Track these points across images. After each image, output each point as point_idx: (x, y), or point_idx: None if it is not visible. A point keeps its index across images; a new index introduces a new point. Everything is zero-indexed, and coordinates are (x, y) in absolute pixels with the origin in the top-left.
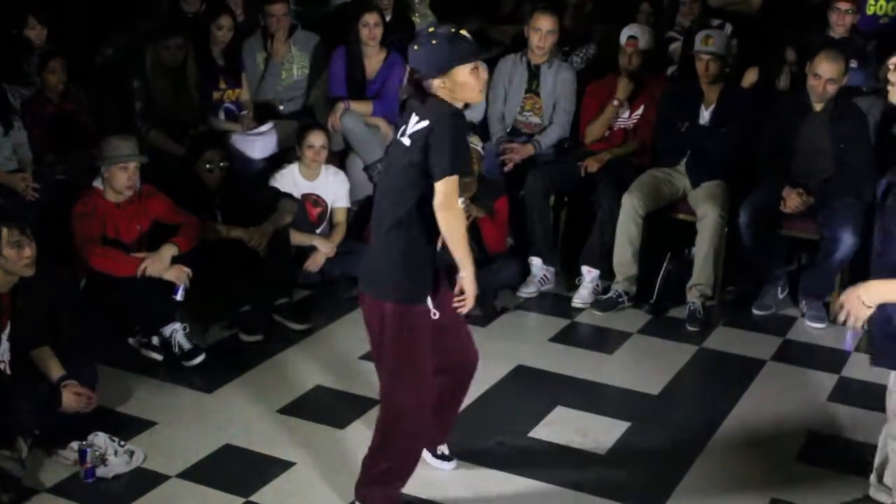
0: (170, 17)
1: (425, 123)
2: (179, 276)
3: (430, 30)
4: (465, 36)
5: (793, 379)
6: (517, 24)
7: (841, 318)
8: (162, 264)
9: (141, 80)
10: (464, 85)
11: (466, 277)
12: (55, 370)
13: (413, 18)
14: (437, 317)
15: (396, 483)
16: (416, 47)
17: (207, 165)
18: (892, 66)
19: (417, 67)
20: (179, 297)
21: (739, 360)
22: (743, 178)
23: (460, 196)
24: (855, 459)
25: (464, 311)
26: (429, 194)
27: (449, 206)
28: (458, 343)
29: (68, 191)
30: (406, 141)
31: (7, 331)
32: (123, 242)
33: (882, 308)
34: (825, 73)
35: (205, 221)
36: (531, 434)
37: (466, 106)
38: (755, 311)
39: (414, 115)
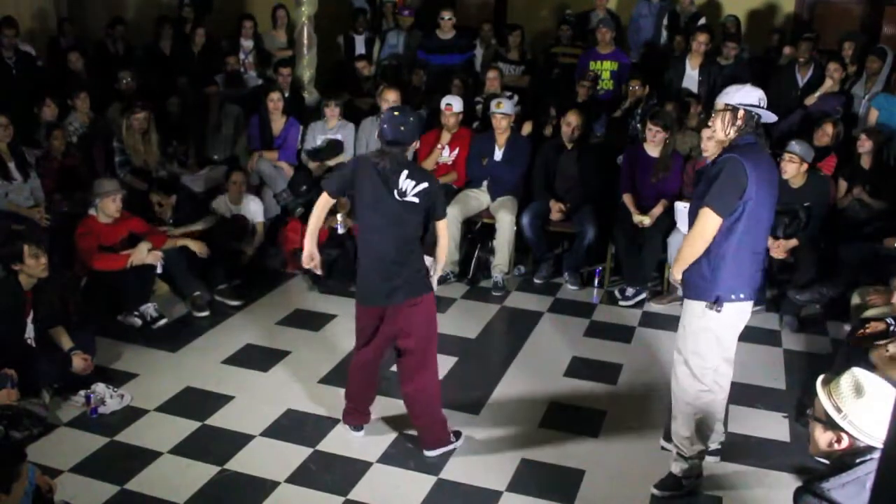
0: (138, 96)
1: (425, 185)
2: (156, 257)
3: (397, 113)
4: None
5: (561, 323)
6: (373, 97)
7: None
8: (142, 254)
9: (119, 141)
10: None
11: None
12: (66, 343)
13: (304, 94)
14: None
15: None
16: (402, 127)
17: (158, 202)
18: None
19: (403, 139)
20: (160, 270)
21: (527, 312)
22: (524, 194)
23: (338, 212)
24: (602, 372)
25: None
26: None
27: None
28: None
29: (69, 219)
30: (414, 199)
31: (32, 316)
32: (112, 247)
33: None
34: (572, 123)
35: (164, 234)
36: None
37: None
38: (535, 280)
39: (408, 178)
